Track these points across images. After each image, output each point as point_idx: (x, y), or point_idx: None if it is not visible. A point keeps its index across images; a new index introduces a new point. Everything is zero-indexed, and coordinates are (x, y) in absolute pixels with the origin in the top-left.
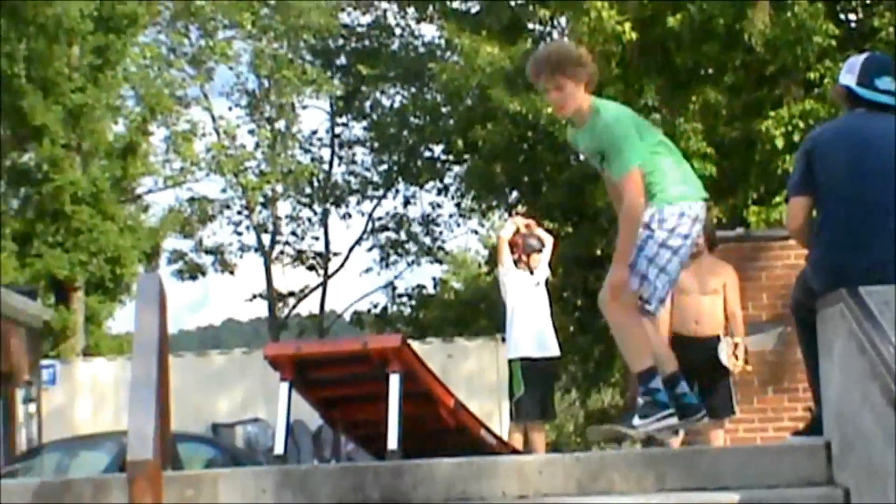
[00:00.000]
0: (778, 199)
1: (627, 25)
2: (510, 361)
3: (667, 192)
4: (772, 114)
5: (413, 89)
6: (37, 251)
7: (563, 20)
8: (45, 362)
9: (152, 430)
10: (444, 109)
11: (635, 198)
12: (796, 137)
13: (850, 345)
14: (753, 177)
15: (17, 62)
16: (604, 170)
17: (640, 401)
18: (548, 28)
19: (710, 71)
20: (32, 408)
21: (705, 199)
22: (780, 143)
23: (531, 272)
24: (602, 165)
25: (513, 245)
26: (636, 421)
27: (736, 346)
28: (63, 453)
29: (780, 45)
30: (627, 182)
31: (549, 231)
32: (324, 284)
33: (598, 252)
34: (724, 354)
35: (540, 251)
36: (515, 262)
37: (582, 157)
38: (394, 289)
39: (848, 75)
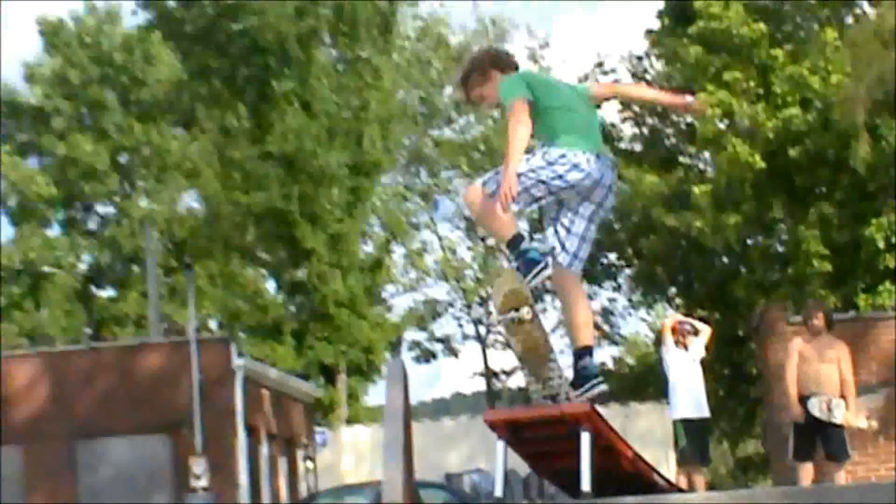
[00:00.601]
0: (881, 287)
1: (758, 157)
2: (674, 421)
3: (558, 138)
4: (874, 222)
5: None
6: (309, 344)
7: (706, 154)
8: (318, 429)
9: (401, 479)
10: (616, 225)
11: (514, 123)
12: (894, 240)
13: None
14: (861, 271)
15: (292, 201)
16: None
17: (515, 264)
18: (695, 160)
19: (824, 189)
20: (310, 464)
21: (595, 153)
22: (881, 244)
23: (686, 349)
24: None
25: (674, 331)
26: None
27: (829, 402)
28: (333, 498)
29: (878, 168)
30: (510, 111)
31: (703, 319)
32: None
33: (739, 333)
34: (816, 409)
35: (695, 334)
36: (675, 344)
37: (725, 260)
38: None
39: None
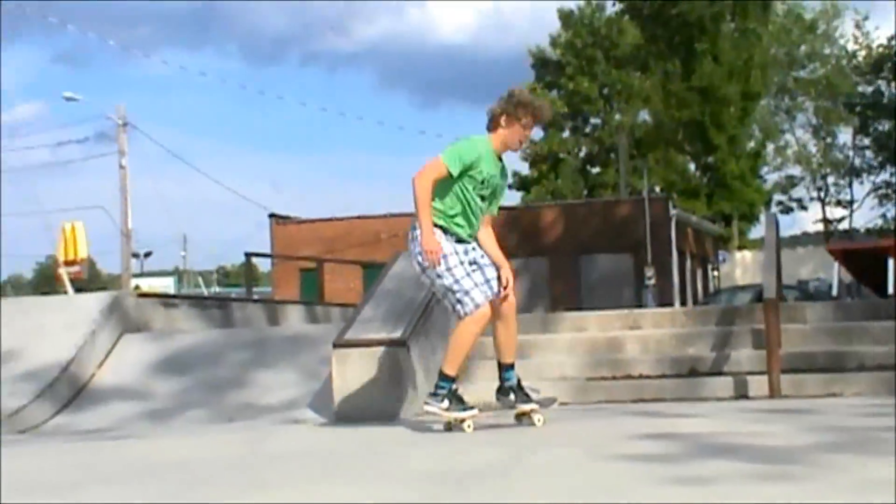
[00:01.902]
0: None
1: None
2: None
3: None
4: None
5: None
6: (715, 201)
7: None
8: (720, 252)
9: (773, 282)
10: None
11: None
12: None
13: None
14: None
15: (706, 116)
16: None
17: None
18: None
19: None
20: (716, 273)
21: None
22: None
23: None
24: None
25: None
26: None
27: None
28: (730, 293)
29: None
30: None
31: None
32: (850, 216)
33: None
34: None
35: None
36: None
37: None
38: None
39: None
